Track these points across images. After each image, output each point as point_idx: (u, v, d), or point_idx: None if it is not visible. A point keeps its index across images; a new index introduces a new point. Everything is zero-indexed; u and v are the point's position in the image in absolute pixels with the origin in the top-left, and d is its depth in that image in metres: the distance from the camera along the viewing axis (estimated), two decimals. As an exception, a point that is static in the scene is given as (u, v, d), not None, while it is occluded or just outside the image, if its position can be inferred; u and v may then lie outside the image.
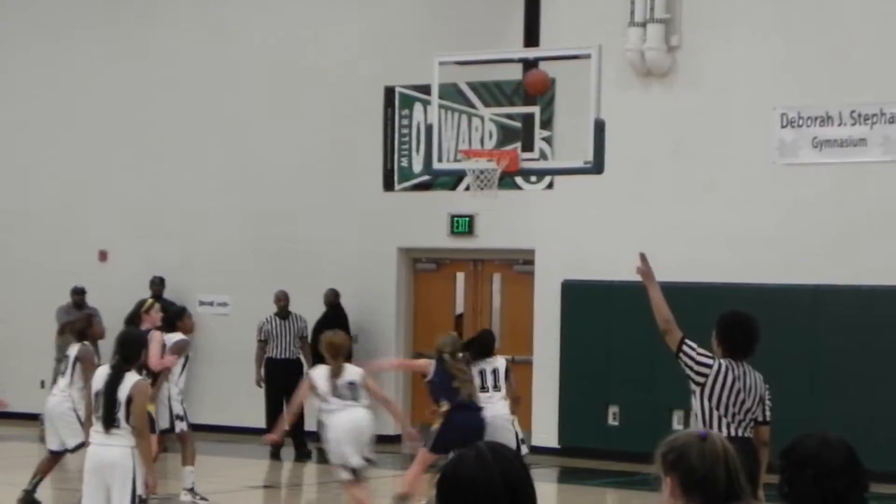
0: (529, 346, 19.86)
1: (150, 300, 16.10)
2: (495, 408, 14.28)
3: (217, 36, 21.97)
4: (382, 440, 20.38)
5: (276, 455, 19.34)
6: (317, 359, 20.49)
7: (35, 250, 23.03)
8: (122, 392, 10.34)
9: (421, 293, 20.99)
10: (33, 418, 21.47)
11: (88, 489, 10.51)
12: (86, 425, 10.69)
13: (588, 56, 14.19)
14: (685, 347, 9.26)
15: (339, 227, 20.97)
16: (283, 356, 20.08)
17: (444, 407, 14.08)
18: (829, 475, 4.15)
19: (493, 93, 19.63)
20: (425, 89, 17.59)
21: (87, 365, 13.94)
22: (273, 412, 19.06)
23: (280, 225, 21.31)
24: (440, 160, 16.12)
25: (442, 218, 20.37)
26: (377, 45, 20.78)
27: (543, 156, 16.72)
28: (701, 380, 9.24)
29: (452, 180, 19.71)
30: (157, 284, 21.42)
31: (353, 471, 12.96)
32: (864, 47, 17.94)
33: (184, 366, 15.06)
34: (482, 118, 19.21)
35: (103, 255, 22.70)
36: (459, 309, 20.70)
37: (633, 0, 18.98)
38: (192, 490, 15.00)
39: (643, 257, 9.48)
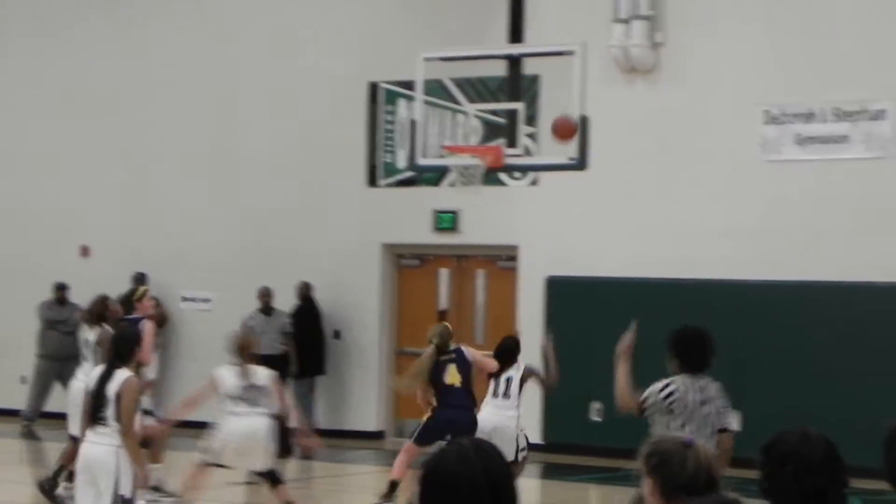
0: (513, 343, 19.80)
1: (144, 288, 16.06)
2: (499, 416, 13.99)
3: (193, 31, 21.91)
4: (362, 436, 20.47)
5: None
6: (300, 353, 20.57)
7: (17, 246, 22.94)
8: (112, 389, 10.30)
9: (404, 289, 20.96)
10: (14, 414, 21.44)
11: (79, 485, 10.50)
12: (83, 420, 10.64)
13: (572, 52, 14.21)
14: (646, 402, 9.47)
15: (322, 222, 20.94)
16: (266, 352, 20.02)
17: (433, 401, 14.01)
18: (809, 471, 4.16)
19: (477, 89, 19.61)
20: (409, 85, 17.60)
21: (107, 347, 13.84)
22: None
23: (263, 220, 21.26)
24: (424, 156, 16.12)
25: (426, 214, 20.35)
26: (361, 41, 20.75)
27: (528, 152, 16.69)
28: (679, 406, 9.38)
29: (436, 176, 19.70)
30: (140, 280, 21.36)
31: (266, 473, 12.96)
32: (848, 45, 17.97)
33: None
34: (466, 114, 19.19)
35: (85, 251, 22.62)
36: (443, 305, 20.68)
37: (617, -3, 18.99)
38: (157, 488, 14.75)
39: (635, 329, 9.64)
